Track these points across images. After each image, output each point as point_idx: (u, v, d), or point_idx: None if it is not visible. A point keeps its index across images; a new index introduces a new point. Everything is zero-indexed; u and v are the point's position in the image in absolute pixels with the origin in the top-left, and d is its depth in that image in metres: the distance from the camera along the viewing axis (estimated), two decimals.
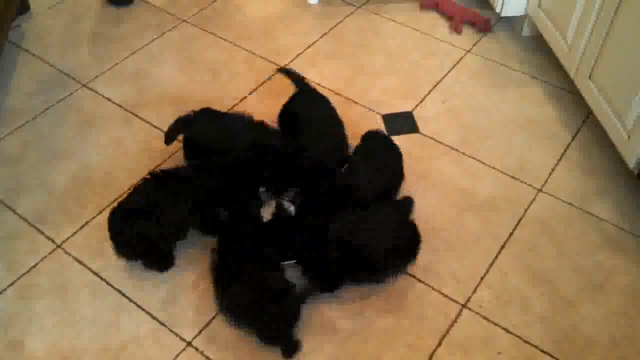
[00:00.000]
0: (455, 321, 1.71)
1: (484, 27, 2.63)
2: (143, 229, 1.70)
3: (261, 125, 1.98)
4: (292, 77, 2.13)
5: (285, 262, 1.76)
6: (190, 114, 1.99)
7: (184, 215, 1.75)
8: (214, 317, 1.71)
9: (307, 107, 2.03)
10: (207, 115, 1.99)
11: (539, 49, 2.53)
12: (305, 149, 1.90)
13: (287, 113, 2.04)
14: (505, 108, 2.31)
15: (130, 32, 2.65)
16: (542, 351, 1.65)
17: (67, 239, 1.90)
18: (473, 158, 2.14)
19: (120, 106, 2.33)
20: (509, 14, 2.52)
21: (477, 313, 1.73)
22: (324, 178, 1.87)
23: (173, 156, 2.12)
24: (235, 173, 1.83)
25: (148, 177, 1.79)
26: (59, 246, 1.88)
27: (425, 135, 2.22)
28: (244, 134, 1.93)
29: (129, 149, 2.17)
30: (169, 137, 2.00)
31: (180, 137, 2.03)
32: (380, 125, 2.24)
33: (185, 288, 1.78)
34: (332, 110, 2.07)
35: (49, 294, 1.77)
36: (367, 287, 1.77)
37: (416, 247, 1.76)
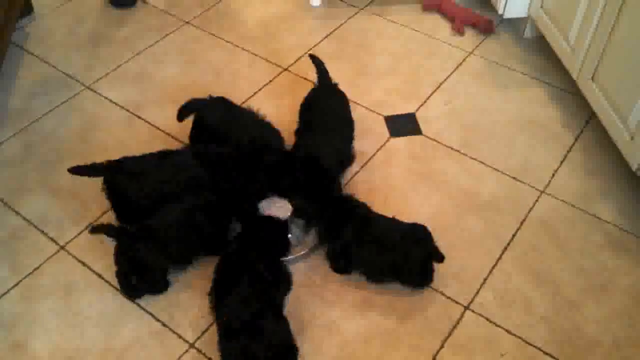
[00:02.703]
0: (458, 322, 1.71)
1: (486, 28, 2.63)
2: (116, 182, 1.82)
3: (267, 125, 2.00)
4: (318, 67, 2.14)
5: (291, 257, 1.81)
6: (206, 97, 2.04)
7: (166, 188, 1.81)
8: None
9: (322, 103, 2.05)
10: (221, 102, 2.05)
11: (542, 50, 2.53)
12: (307, 150, 1.92)
13: (304, 105, 2.07)
14: (508, 109, 2.31)
15: (133, 33, 2.66)
16: (545, 352, 1.65)
17: (71, 240, 1.90)
18: (475, 159, 2.14)
19: (122, 107, 2.33)
20: (512, 16, 2.52)
21: (480, 314, 1.73)
22: (320, 181, 1.89)
23: None
24: (234, 168, 1.86)
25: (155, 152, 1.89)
26: (62, 247, 1.89)
27: (427, 137, 2.22)
28: (251, 129, 1.97)
29: (131, 150, 2.16)
30: (181, 114, 2.05)
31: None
32: (382, 127, 2.25)
33: (188, 289, 1.78)
34: (346, 108, 2.09)
35: (52, 295, 1.78)
36: (369, 288, 1.78)
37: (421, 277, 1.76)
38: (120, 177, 1.82)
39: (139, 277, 1.73)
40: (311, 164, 1.86)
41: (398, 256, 1.70)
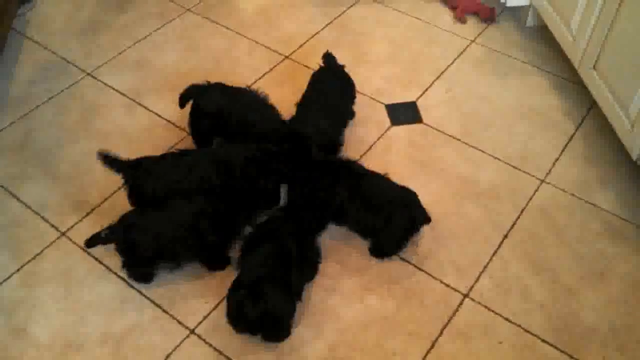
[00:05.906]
0: (456, 310, 1.72)
1: (488, 16, 2.62)
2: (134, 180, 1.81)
3: (268, 106, 2.00)
4: (328, 61, 2.16)
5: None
6: (204, 83, 2.04)
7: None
8: (217, 305, 1.73)
9: (323, 84, 2.08)
10: (219, 87, 2.04)
11: (543, 39, 2.52)
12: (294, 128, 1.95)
13: (309, 83, 2.10)
14: (509, 98, 2.31)
15: (133, 20, 2.65)
16: (542, 340, 1.66)
17: (72, 226, 1.91)
18: (476, 147, 2.14)
19: (123, 94, 2.33)
20: (514, 4, 2.51)
21: (478, 302, 1.74)
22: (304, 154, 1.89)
23: (177, 145, 2.13)
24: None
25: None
26: (63, 234, 1.90)
27: (428, 125, 2.21)
28: (251, 111, 1.96)
29: (132, 137, 2.17)
30: (182, 101, 2.05)
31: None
32: (384, 115, 2.25)
33: (189, 276, 1.79)
34: (346, 96, 2.12)
35: (53, 281, 1.79)
36: (368, 274, 1.78)
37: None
38: (138, 175, 1.80)
39: (129, 263, 1.73)
40: (292, 136, 1.89)
41: (379, 219, 1.74)
